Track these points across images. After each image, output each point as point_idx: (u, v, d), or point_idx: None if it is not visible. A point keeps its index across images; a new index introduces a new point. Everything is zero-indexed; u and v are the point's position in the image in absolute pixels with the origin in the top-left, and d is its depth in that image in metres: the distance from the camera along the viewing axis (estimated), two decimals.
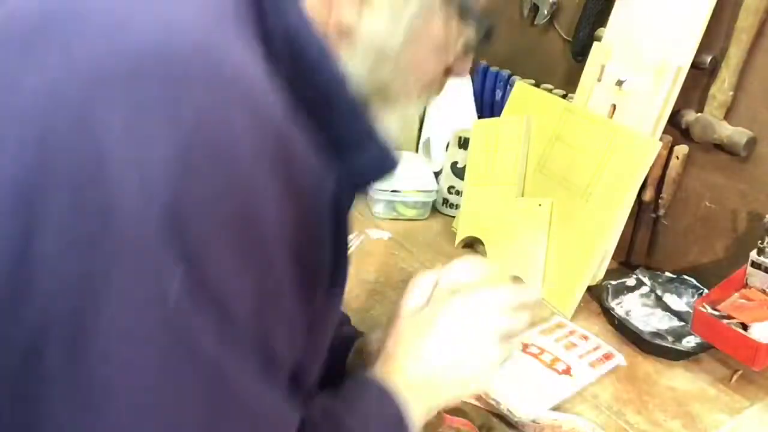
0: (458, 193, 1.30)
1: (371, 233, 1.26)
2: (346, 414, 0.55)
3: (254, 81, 0.40)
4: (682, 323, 1.03)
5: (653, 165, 1.02)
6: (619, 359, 0.94)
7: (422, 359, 0.60)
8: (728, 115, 1.01)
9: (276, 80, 0.42)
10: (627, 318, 1.01)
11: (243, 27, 0.43)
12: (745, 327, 0.87)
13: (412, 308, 0.65)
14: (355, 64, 0.48)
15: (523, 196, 1.15)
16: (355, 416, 0.55)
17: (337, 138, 0.47)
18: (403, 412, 0.57)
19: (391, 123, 0.53)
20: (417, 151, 1.46)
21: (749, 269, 0.94)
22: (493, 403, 0.83)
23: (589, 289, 1.05)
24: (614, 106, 1.07)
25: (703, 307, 0.91)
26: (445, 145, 1.36)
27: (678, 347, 0.95)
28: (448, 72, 0.57)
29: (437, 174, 1.38)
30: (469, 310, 0.62)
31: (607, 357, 0.93)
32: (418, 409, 0.59)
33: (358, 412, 0.56)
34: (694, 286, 1.06)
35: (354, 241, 1.22)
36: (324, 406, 0.55)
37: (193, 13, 0.41)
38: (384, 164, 0.51)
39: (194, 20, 0.40)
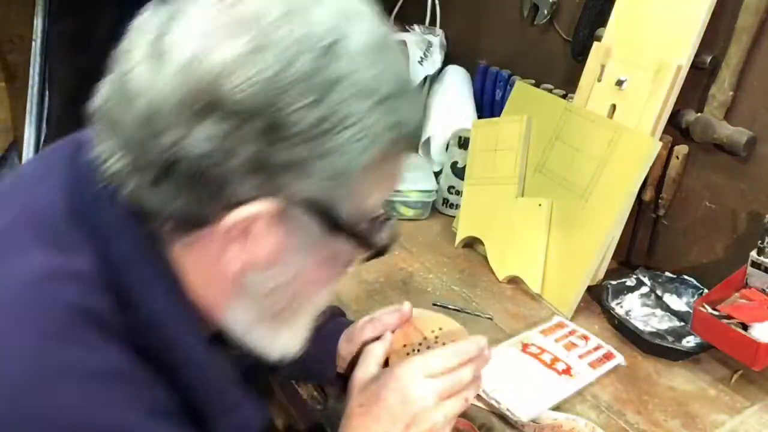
0: (458, 193, 1.30)
1: None
2: None
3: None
4: (682, 323, 1.03)
5: (653, 165, 1.02)
6: (619, 359, 0.94)
7: None
8: (728, 115, 1.01)
9: (141, 378, 0.46)
10: (627, 318, 1.01)
11: (90, 329, 0.44)
12: (745, 327, 0.87)
13: (364, 380, 0.69)
14: (245, 309, 0.53)
15: (523, 196, 1.15)
16: None
17: (205, 413, 0.51)
18: None
19: (299, 329, 0.57)
20: (417, 151, 1.46)
21: (749, 269, 0.94)
22: (493, 403, 0.83)
23: (589, 289, 1.05)
24: (614, 106, 1.07)
25: (703, 307, 0.91)
26: (445, 145, 1.36)
27: (678, 347, 0.95)
28: (349, 263, 0.58)
29: (437, 174, 1.38)
30: (410, 382, 0.65)
31: (608, 357, 0.93)
32: None
33: None
34: (694, 286, 1.06)
35: None
36: None
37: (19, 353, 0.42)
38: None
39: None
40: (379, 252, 0.56)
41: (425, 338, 0.73)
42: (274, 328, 0.55)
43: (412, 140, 0.52)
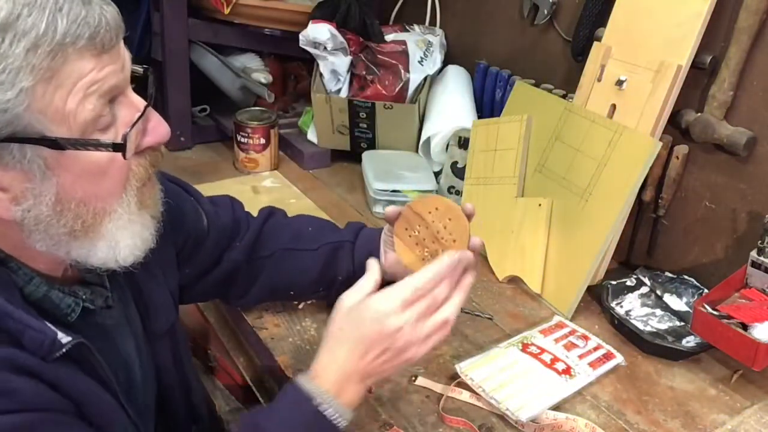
0: (458, 193, 1.30)
1: None
2: (261, 418, 0.67)
3: None
4: (682, 323, 1.03)
5: (653, 165, 1.02)
6: (619, 359, 0.94)
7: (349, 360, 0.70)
8: (728, 115, 1.01)
9: None
10: (627, 318, 1.01)
11: None
12: (745, 327, 0.87)
13: (348, 305, 0.72)
14: (41, 238, 0.58)
15: (523, 196, 1.15)
16: (270, 418, 0.67)
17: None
18: (320, 408, 0.67)
19: (117, 237, 0.62)
20: (417, 151, 1.46)
21: (749, 269, 0.94)
22: (493, 402, 0.83)
23: (589, 289, 1.05)
24: (614, 106, 1.07)
25: (703, 307, 0.91)
26: (445, 145, 1.36)
27: (678, 347, 0.95)
28: (141, 152, 0.62)
29: (437, 174, 1.38)
30: (387, 315, 0.69)
31: (607, 357, 0.93)
32: (351, 391, 0.69)
33: (273, 414, 0.67)
34: (694, 286, 1.06)
35: None
36: (243, 417, 0.69)
37: None
38: (42, 341, 0.57)
39: None
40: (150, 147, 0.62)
41: (423, 219, 0.79)
42: (83, 244, 0.60)
43: (73, 41, 0.53)
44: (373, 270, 0.75)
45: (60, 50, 0.52)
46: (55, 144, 0.54)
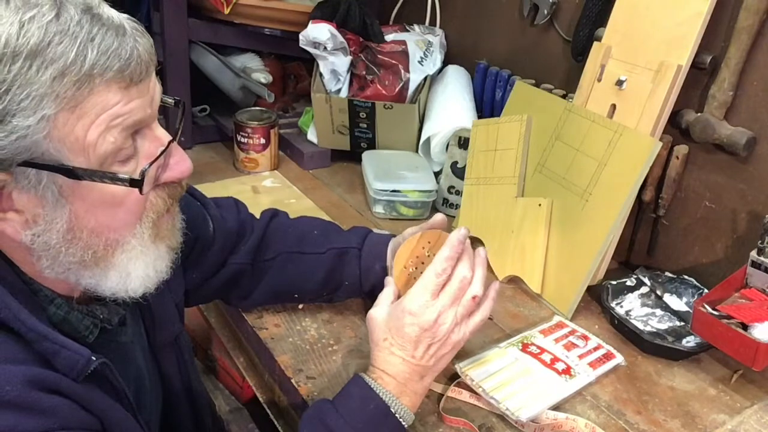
0: (458, 193, 1.30)
1: None
2: (332, 408, 0.70)
3: None
4: (682, 323, 1.03)
5: (653, 165, 1.02)
6: (619, 359, 0.94)
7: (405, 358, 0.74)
8: (728, 115, 1.01)
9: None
10: (627, 318, 1.01)
11: None
12: (745, 327, 0.87)
13: (381, 317, 0.76)
14: (50, 264, 0.58)
15: (523, 196, 1.15)
16: (340, 411, 0.69)
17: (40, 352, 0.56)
18: (386, 405, 0.71)
19: (129, 268, 0.61)
20: (417, 151, 1.46)
21: (749, 269, 0.94)
22: (493, 402, 0.83)
23: (589, 289, 1.05)
24: (614, 106, 1.07)
25: (703, 307, 0.91)
26: (445, 145, 1.36)
27: (678, 347, 0.95)
28: (160, 187, 0.62)
29: (437, 174, 1.38)
30: (421, 310, 0.72)
31: (607, 357, 0.93)
32: (410, 392, 0.74)
33: (343, 407, 0.70)
34: (694, 286, 1.06)
35: None
36: (316, 403, 0.73)
37: None
38: (77, 361, 0.57)
39: None
40: (172, 181, 0.61)
41: (417, 257, 0.81)
42: (94, 273, 0.60)
43: (102, 73, 0.52)
44: (390, 283, 0.80)
45: (87, 81, 0.51)
46: (72, 173, 0.53)
